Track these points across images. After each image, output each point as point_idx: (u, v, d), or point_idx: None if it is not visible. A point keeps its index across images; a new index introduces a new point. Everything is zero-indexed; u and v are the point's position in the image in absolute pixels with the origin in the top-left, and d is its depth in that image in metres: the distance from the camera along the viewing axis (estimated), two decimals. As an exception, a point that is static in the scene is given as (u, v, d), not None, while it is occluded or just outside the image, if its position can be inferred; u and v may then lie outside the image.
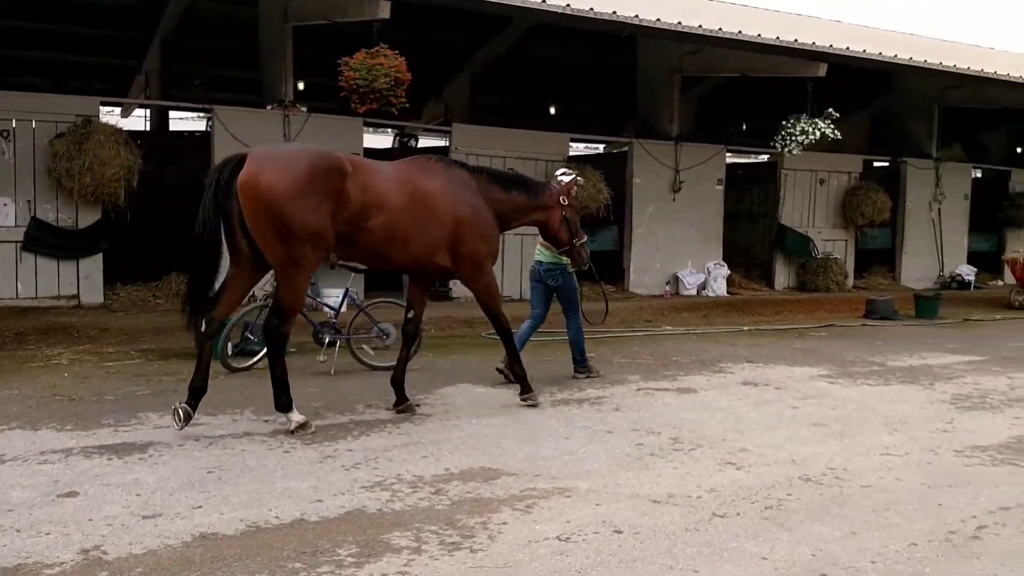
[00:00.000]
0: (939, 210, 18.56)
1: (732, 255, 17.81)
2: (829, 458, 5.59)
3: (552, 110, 20.73)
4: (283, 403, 5.92)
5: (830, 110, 13.09)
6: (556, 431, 6.12)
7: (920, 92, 18.06)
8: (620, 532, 4.21)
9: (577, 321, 8.11)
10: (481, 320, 8.40)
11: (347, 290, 8.34)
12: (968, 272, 18.86)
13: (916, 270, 18.58)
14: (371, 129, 16.15)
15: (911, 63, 14.08)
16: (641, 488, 4.90)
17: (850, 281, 17.51)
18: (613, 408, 6.86)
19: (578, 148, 23.80)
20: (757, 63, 13.70)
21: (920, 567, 3.89)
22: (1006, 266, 16.63)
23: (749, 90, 18.01)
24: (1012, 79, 14.97)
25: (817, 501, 4.75)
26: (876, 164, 20.26)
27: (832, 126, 13.14)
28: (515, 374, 7.06)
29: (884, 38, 16.37)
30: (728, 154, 22.14)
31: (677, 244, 15.76)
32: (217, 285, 6.00)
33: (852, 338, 11.12)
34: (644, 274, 15.56)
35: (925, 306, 13.53)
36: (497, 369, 7.62)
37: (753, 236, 18.34)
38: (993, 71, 14.95)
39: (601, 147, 22.25)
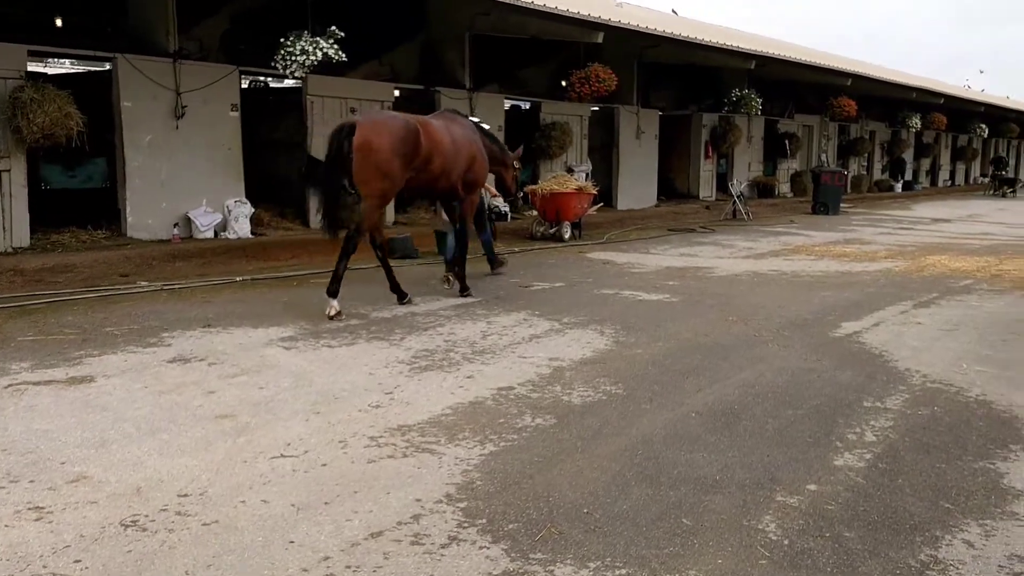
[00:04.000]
0: (475, 141, 18.50)
1: (267, 191, 16.20)
2: (196, 475, 4.17)
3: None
4: (331, 290, 8.05)
5: (333, 28, 11.75)
6: None
7: (453, 20, 17.68)
8: None
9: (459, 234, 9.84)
10: None
11: None
12: (505, 204, 19.18)
13: (456, 202, 18.43)
14: None
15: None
16: None
17: (389, 216, 16.76)
18: (-68, 426, 4.80)
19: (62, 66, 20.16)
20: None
21: None
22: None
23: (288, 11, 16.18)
24: (537, 7, 14.93)
25: (107, 571, 3.26)
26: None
27: (336, 46, 11.83)
28: (459, 275, 9.48)
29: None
30: (264, 78, 20.27)
31: (187, 179, 13.62)
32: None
33: (356, 284, 10.05)
34: (146, 215, 13.24)
35: (445, 242, 13.05)
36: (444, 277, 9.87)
37: (290, 169, 16.73)
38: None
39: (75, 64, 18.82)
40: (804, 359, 6.72)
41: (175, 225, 13.50)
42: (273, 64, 12.12)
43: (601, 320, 8.17)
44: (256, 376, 6.00)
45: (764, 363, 6.58)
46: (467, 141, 9.13)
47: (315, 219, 15.64)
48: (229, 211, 14.16)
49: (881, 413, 5.33)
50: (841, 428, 5.04)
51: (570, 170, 21.27)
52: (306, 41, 11.66)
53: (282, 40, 11.77)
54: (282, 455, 4.50)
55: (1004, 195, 35.76)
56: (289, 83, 18.98)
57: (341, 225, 8.30)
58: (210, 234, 13.90)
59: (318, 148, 15.52)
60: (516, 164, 10.67)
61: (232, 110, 14.23)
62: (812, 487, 4.16)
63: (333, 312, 7.94)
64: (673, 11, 31.49)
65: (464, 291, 9.34)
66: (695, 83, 27.26)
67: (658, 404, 5.50)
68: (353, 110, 16.18)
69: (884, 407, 5.46)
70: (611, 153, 23.21)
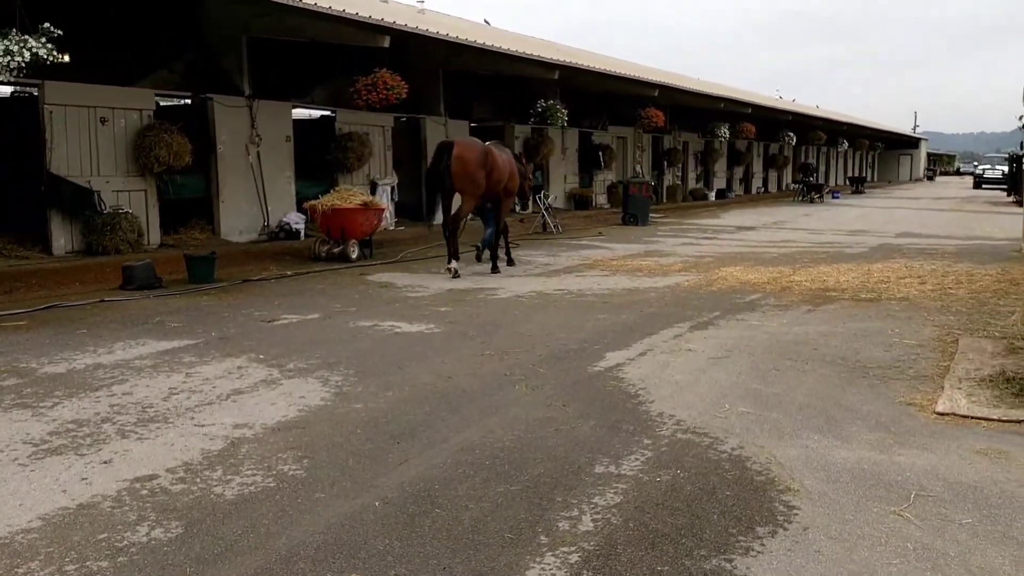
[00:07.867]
0: (258, 153, 16.82)
1: (11, 215, 14.04)
2: None
3: None
4: (450, 255, 12.30)
5: (47, 26, 9.86)
6: None
7: (227, 21, 15.97)
8: None
9: (495, 228, 13.60)
10: None
11: None
12: (297, 220, 17.48)
13: (238, 221, 16.62)
14: None
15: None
16: None
17: (152, 238, 14.82)
18: None
19: None
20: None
21: None
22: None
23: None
24: (310, 8, 13.50)
25: None
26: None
27: (52, 47, 9.98)
28: (493, 256, 13.26)
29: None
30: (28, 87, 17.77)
31: None
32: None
33: (34, 332, 8.30)
34: None
35: (197, 268, 11.43)
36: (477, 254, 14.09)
37: (30, 189, 14.51)
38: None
39: None
40: (548, 405, 5.66)
41: None
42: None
43: (335, 363, 6.88)
44: None
45: (499, 414, 5.47)
46: (509, 162, 13.24)
47: (63, 244, 13.61)
48: (-61, 240, 11.91)
49: (612, 483, 4.29)
50: (556, 511, 3.95)
51: (374, 184, 19.98)
52: (11, 40, 9.74)
53: (-17, 40, 9.79)
54: None
55: (812, 201, 37.28)
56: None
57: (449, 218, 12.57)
58: (-88, 268, 11.62)
59: (59, 164, 13.53)
60: (530, 176, 15.73)
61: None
62: (480, 625, 3.01)
63: (453, 267, 12.06)
64: (485, 21, 30.81)
65: (495, 269, 12.95)
66: (514, 95, 26.45)
67: (339, 490, 4.25)
68: (103, 120, 14.20)
69: (618, 473, 4.43)
70: (421, 166, 21.97)
